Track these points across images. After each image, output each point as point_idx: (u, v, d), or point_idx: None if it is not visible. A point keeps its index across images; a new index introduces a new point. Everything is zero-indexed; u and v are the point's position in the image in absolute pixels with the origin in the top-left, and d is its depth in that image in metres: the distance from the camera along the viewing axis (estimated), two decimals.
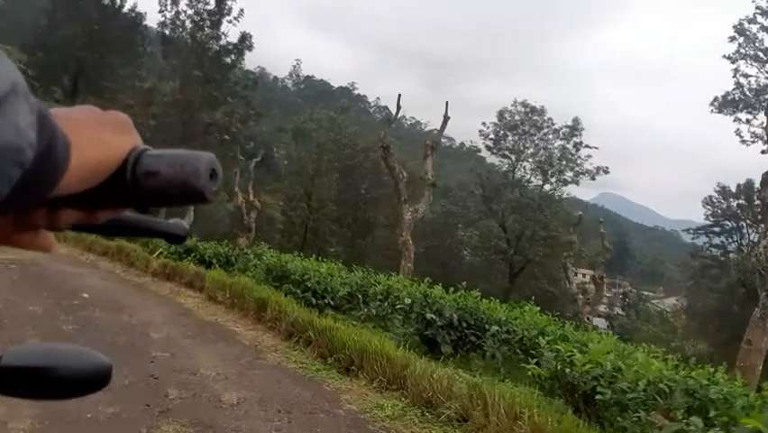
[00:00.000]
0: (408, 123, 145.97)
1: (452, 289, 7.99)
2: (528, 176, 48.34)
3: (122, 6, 37.78)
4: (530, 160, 47.27)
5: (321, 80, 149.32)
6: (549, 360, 5.27)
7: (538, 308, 8.60)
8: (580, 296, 17.83)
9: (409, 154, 54.34)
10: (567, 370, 4.98)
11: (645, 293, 65.35)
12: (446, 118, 14.15)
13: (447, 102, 14.26)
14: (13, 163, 0.32)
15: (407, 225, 13.49)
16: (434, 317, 7.06)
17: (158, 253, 13.49)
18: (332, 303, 8.46)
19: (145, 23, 38.97)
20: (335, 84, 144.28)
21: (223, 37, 31.89)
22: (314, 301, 8.22)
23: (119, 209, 0.51)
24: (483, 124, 47.00)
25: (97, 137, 0.44)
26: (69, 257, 13.25)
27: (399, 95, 14.04)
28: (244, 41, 32.82)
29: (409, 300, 7.37)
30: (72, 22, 34.61)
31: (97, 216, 0.49)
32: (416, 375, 5.04)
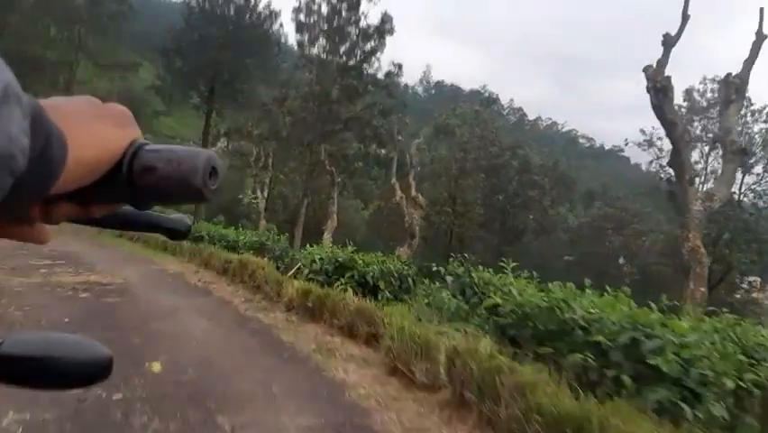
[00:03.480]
0: (544, 123, 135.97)
1: None
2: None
3: (256, 5, 35.93)
4: None
5: (451, 85, 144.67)
6: None
7: None
8: None
9: (547, 156, 47.97)
10: None
11: None
12: (763, 37, 8.33)
13: (762, 7, 8.45)
14: (4, 172, 0.31)
15: (696, 223, 7.76)
16: None
17: (295, 269, 9.09)
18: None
19: (280, 20, 36.86)
20: (466, 88, 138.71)
21: (362, 18, 28.12)
22: (690, 412, 2.99)
23: (115, 205, 0.49)
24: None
25: (95, 132, 0.42)
26: (178, 278, 9.35)
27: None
28: (385, 24, 28.80)
29: None
30: (207, 24, 33.14)
31: (93, 211, 0.47)
32: None
